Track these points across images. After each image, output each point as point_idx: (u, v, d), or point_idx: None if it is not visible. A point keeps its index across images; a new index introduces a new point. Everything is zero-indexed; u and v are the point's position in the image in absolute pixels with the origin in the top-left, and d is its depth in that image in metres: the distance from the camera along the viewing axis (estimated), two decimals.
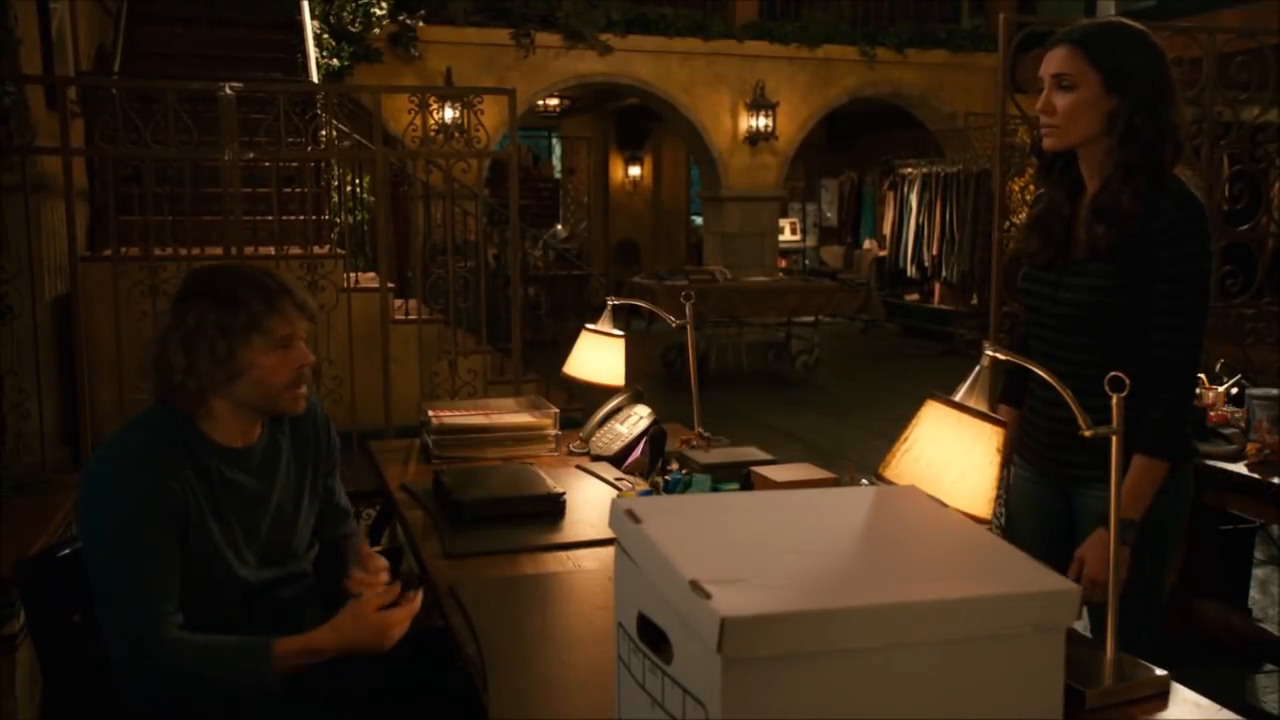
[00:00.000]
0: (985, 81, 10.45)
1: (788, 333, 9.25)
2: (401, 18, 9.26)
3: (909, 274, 11.49)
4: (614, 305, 2.79)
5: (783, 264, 13.02)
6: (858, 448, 6.61)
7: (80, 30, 6.86)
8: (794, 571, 1.07)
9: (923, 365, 10.08)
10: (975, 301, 10.53)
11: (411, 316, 5.66)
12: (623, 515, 1.19)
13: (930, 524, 1.21)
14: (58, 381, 5.00)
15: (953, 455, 1.36)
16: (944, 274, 10.96)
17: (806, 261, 14.86)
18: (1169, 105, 1.92)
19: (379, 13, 8.87)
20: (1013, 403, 2.19)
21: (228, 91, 3.38)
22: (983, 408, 1.38)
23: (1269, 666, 3.28)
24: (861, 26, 11.04)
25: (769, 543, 1.15)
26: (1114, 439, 1.43)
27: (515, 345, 5.17)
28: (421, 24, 9.40)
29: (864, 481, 2.08)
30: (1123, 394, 1.43)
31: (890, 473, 1.40)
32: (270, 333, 1.76)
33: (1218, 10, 8.98)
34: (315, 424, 1.98)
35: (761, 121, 10.60)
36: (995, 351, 1.43)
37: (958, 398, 1.39)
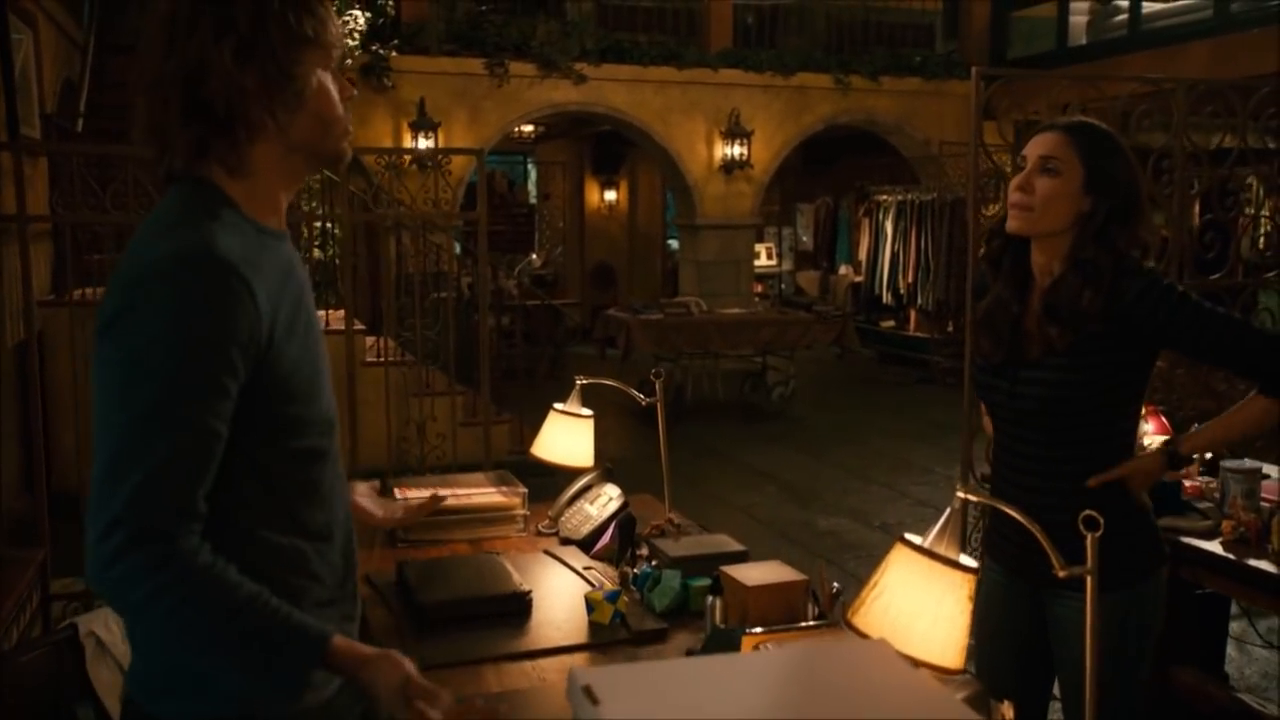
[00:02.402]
0: (958, 109, 10.50)
1: (764, 363, 9.23)
2: (374, 47, 9.19)
3: (885, 301, 11.51)
4: (583, 384, 2.73)
5: (759, 289, 13.01)
6: (833, 488, 6.58)
7: (45, 65, 6.77)
8: None
9: (899, 394, 10.08)
10: (950, 329, 10.54)
11: (381, 359, 5.57)
12: (580, 693, 1.14)
13: (902, 696, 1.17)
14: (19, 429, 4.90)
15: (923, 605, 1.32)
16: (919, 301, 10.98)
17: (783, 286, 14.86)
18: (1140, 217, 1.91)
19: (351, 43, 8.80)
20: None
21: None
22: (953, 554, 1.34)
23: None
24: (836, 54, 11.07)
25: None
26: (1089, 579, 1.40)
27: (483, 388, 5.09)
28: (394, 54, 9.34)
29: (835, 585, 2.04)
30: (1096, 534, 1.39)
31: (859, 620, 1.36)
32: (326, 44, 1.33)
33: (1188, 41, 9.06)
34: None
35: (736, 149, 10.59)
36: (965, 493, 1.39)
37: (927, 543, 1.35)
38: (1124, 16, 9.99)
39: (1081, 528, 1.39)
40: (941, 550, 1.34)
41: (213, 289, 1.21)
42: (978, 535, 3.75)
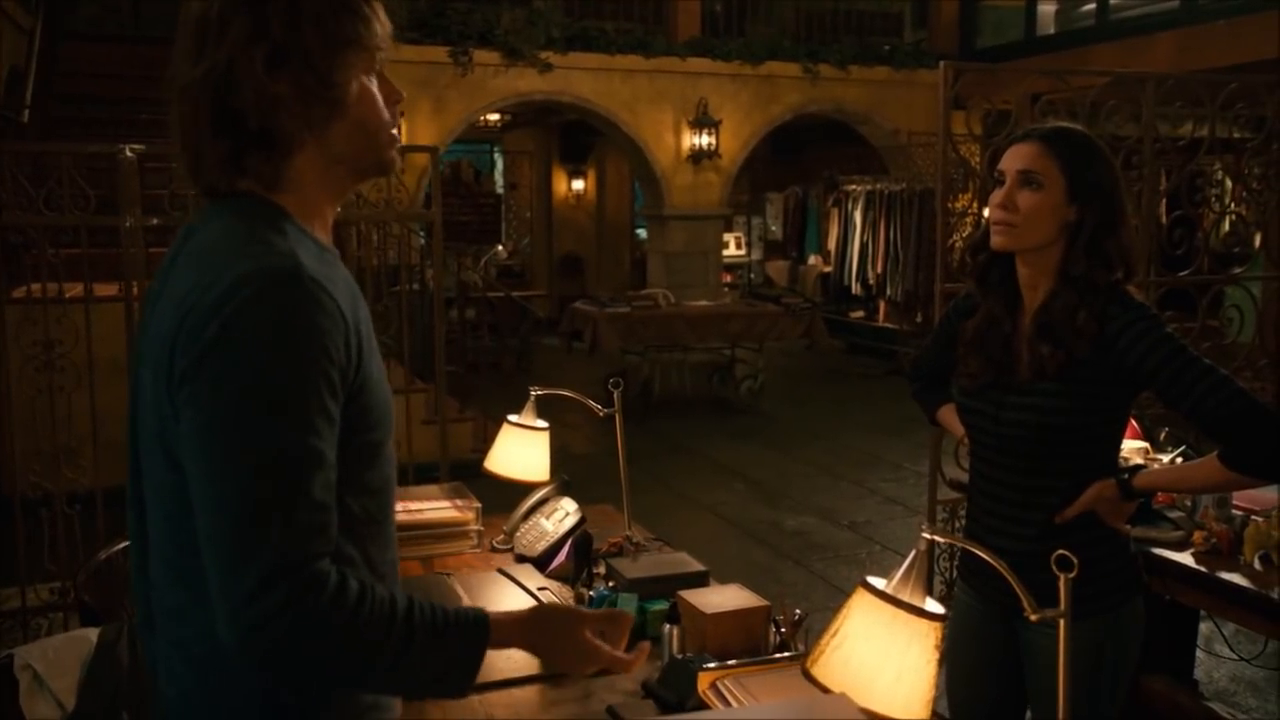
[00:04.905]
0: (927, 98, 10.43)
1: (732, 355, 9.15)
2: None
3: (854, 291, 11.47)
4: (538, 394, 2.63)
5: (728, 279, 12.93)
6: (801, 485, 6.51)
7: None
8: None
9: (868, 386, 10.04)
10: (919, 320, 10.52)
11: None
12: None
13: None
14: None
15: (887, 656, 1.23)
16: (888, 292, 10.94)
17: (752, 276, 14.79)
18: (1124, 225, 1.83)
19: None
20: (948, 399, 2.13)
21: (128, 154, 3.16)
22: (918, 600, 1.25)
23: None
24: (804, 43, 10.98)
25: None
26: (1062, 622, 1.32)
27: (439, 387, 4.95)
28: None
29: (797, 613, 1.96)
30: (1070, 574, 1.31)
31: (818, 672, 1.27)
32: (370, 46, 1.21)
33: (1155, 32, 9.05)
34: None
35: (704, 139, 10.48)
36: (932, 534, 1.30)
37: (890, 587, 1.26)
38: (1092, 6, 9.98)
39: (1054, 568, 1.30)
40: (906, 595, 1.25)
41: (310, 308, 1.10)
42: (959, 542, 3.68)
